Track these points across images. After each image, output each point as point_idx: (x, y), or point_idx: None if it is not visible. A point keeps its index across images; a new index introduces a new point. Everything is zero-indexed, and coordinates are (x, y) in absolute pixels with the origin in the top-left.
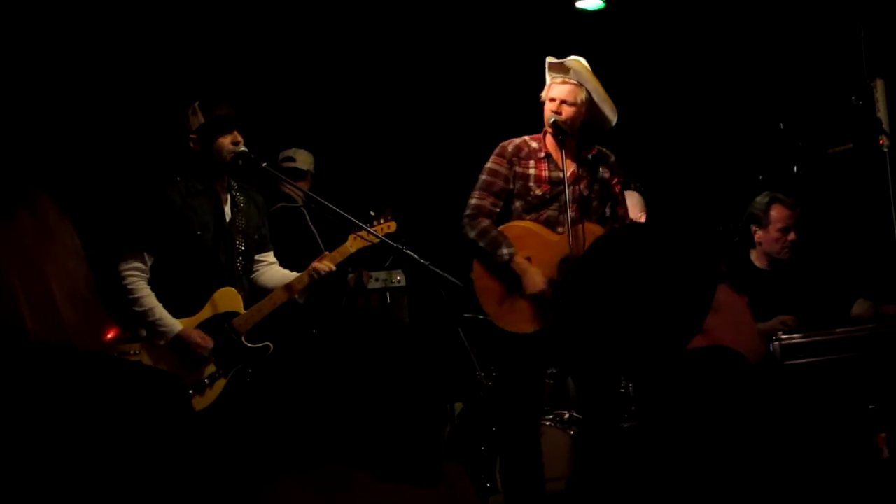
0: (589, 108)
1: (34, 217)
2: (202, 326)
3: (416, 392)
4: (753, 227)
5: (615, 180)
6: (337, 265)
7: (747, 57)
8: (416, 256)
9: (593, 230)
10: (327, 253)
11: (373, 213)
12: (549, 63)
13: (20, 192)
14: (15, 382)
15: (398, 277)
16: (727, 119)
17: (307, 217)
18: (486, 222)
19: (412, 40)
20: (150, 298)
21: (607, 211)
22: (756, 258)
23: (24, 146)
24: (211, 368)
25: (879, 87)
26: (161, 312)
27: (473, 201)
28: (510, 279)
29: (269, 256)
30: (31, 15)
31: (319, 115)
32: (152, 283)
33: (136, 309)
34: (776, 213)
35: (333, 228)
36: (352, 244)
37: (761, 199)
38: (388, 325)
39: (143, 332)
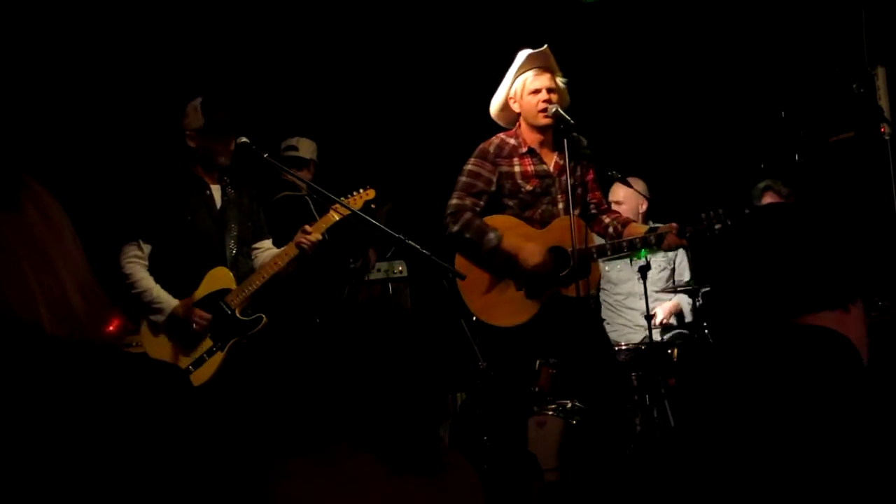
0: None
1: (38, 207)
2: (198, 305)
3: (418, 380)
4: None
5: (589, 165)
6: (337, 253)
7: (748, 45)
8: (417, 246)
9: (579, 222)
10: (311, 224)
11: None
12: (528, 56)
13: (21, 182)
14: (29, 376)
15: (400, 268)
16: (728, 108)
17: (311, 205)
18: (469, 215)
19: (412, 29)
20: (146, 280)
21: (587, 198)
22: None
23: (20, 138)
24: (208, 343)
25: (881, 75)
26: (158, 292)
27: (454, 201)
28: (495, 272)
29: (266, 244)
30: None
31: (322, 104)
32: (149, 271)
33: (134, 291)
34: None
35: None
36: (333, 215)
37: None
38: (390, 314)
39: (144, 322)
